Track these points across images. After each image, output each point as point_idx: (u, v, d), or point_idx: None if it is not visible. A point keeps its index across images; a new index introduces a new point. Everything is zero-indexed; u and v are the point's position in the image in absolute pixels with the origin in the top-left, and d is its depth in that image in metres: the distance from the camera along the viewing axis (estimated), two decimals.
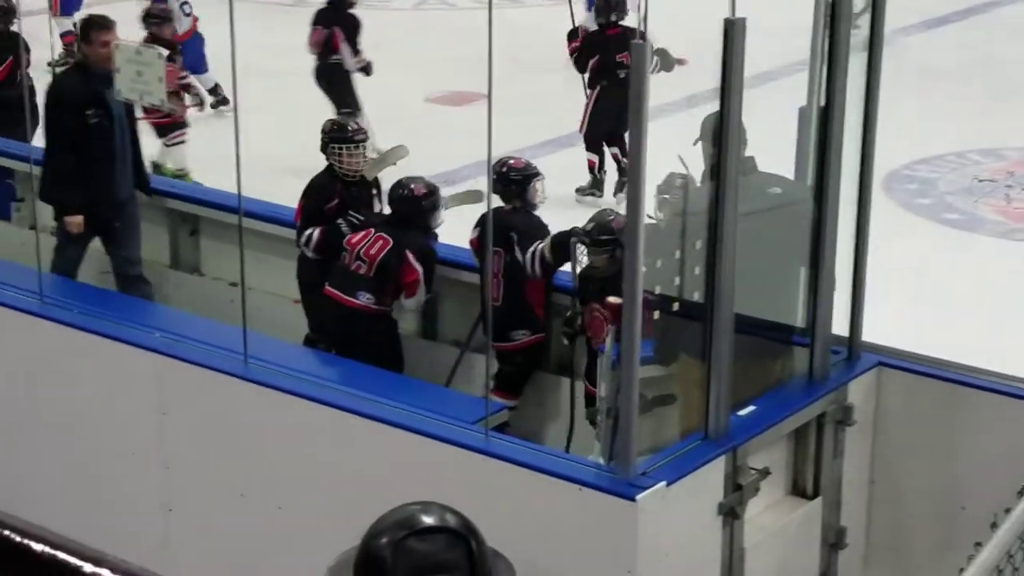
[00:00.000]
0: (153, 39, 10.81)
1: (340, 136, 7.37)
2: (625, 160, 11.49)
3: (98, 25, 7.69)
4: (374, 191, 7.51)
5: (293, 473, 5.74)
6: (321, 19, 11.95)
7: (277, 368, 5.86)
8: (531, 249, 6.82)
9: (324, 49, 11.83)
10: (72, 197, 7.67)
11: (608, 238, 6.47)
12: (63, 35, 14.90)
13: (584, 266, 6.63)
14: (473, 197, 7.26)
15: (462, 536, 2.25)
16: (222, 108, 12.77)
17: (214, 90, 13.16)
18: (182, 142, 11.18)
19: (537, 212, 7.16)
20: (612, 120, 11.42)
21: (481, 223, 6.74)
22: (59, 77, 7.87)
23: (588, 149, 11.59)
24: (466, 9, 15.13)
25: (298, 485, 5.73)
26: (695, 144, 5.55)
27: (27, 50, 10.94)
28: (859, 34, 5.55)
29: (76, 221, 7.64)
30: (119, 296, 7.37)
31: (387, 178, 7.48)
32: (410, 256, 6.90)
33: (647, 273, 4.90)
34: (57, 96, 7.72)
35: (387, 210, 7.32)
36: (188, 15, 13.15)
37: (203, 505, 6.05)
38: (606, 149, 11.58)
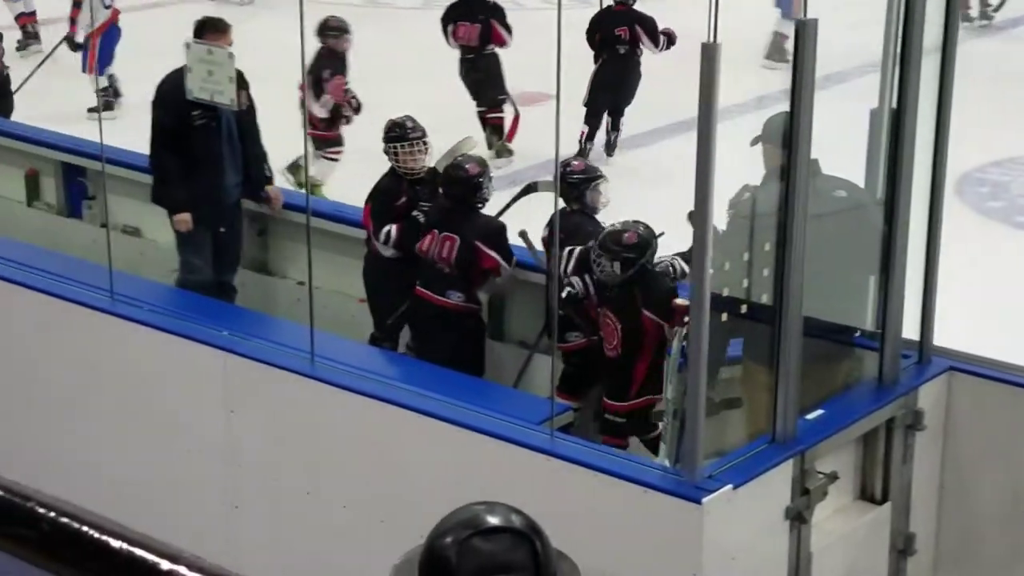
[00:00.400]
0: (330, 52, 10.47)
1: (396, 135, 7.39)
2: (615, 132, 11.72)
3: (213, 27, 7.46)
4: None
5: (359, 472, 5.76)
6: (464, 14, 11.78)
7: (343, 367, 5.88)
8: (567, 249, 6.71)
9: (480, 42, 11.78)
10: (177, 196, 7.58)
11: (615, 248, 6.21)
12: (17, 17, 14.94)
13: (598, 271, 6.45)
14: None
15: (527, 536, 2.25)
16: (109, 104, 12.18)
17: (105, 90, 12.55)
18: (336, 160, 10.83)
19: None
20: (612, 93, 11.66)
21: (550, 223, 6.71)
22: (168, 76, 7.63)
23: (586, 121, 11.68)
24: (533, 9, 15.10)
25: (364, 484, 5.75)
26: (752, 145, 5.52)
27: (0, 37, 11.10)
28: (930, 35, 5.49)
29: (183, 219, 7.53)
30: (187, 294, 7.41)
31: None
32: (481, 246, 6.89)
33: (714, 276, 4.87)
34: (164, 95, 7.58)
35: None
36: (108, 7, 12.85)
37: (269, 503, 6.08)
38: (605, 121, 11.77)
